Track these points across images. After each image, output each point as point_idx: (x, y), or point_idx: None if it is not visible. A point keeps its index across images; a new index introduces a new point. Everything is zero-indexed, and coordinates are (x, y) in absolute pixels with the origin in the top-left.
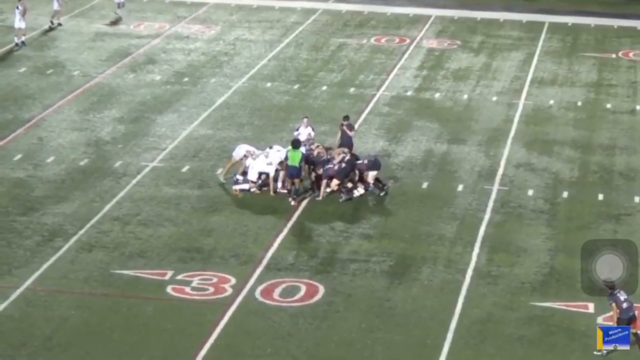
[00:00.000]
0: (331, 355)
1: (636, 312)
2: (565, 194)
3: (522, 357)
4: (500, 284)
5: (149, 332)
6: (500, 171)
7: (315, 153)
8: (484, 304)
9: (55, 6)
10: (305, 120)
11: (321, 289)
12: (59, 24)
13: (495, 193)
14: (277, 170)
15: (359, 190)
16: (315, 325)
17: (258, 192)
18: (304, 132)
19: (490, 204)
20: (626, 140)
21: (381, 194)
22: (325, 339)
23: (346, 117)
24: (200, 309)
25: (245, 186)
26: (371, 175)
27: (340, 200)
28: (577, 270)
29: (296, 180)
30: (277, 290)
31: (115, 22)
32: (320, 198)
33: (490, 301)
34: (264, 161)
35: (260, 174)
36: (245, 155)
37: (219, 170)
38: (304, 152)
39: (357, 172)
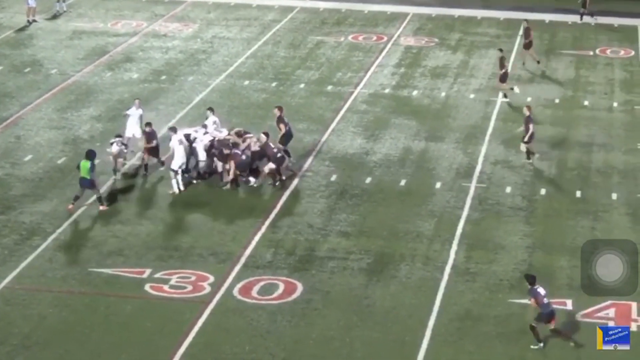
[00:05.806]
0: (310, 353)
1: (554, 308)
2: (543, 191)
3: (500, 354)
4: (479, 281)
5: (128, 331)
6: (478, 168)
7: (216, 140)
8: (462, 301)
9: (30, 3)
10: (137, 101)
11: (299, 287)
12: (34, 21)
13: (473, 190)
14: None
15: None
16: (293, 322)
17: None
18: (135, 114)
19: (468, 201)
20: (603, 138)
21: (276, 184)
22: (303, 337)
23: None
24: (178, 307)
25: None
26: (268, 167)
27: (255, 185)
28: (555, 267)
29: (88, 191)
30: (256, 288)
31: (56, 16)
32: (255, 184)
33: (469, 298)
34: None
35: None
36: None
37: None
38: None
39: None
